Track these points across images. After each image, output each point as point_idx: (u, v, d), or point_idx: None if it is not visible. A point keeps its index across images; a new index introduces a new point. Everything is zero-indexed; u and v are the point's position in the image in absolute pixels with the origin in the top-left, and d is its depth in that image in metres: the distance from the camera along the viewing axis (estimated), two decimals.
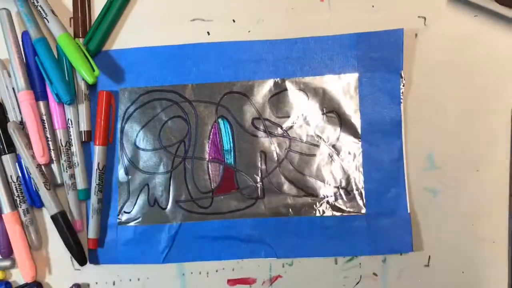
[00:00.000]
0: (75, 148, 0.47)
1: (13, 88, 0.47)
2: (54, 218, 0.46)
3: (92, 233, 0.47)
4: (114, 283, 0.48)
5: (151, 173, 0.48)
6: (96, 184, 0.47)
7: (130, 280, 0.48)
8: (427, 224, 0.46)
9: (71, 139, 0.47)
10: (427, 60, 0.47)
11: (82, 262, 0.47)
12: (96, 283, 0.48)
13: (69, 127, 0.47)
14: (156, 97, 0.48)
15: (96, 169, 0.47)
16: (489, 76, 0.47)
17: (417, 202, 0.46)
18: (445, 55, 0.47)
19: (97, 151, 0.47)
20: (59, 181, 0.48)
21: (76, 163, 0.47)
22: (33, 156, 0.46)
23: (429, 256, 0.47)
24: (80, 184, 0.48)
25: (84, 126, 0.48)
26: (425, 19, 0.47)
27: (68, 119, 0.47)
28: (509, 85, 0.47)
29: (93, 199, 0.47)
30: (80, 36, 0.48)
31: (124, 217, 0.48)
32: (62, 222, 0.46)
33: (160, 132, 0.48)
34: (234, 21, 0.49)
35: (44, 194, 0.46)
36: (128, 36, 0.49)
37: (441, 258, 0.46)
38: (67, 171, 0.47)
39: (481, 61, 0.47)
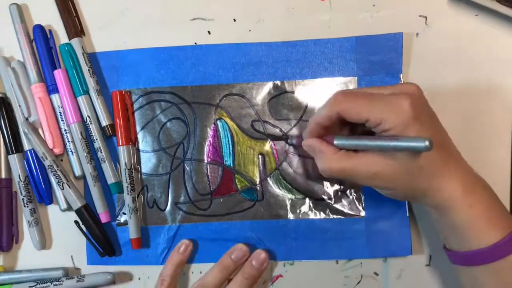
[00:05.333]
0: (99, 144, 0.47)
1: (18, 85, 0.47)
2: (78, 212, 0.46)
3: (133, 233, 0.47)
4: (115, 283, 0.48)
5: (150, 175, 0.48)
6: (128, 184, 0.47)
7: (131, 279, 0.49)
8: (427, 223, 0.46)
9: (93, 135, 0.47)
10: (428, 59, 0.47)
11: (110, 253, 0.47)
12: None
13: (89, 124, 0.47)
14: (155, 99, 0.48)
15: (125, 169, 0.47)
16: (490, 75, 0.46)
17: (417, 204, 0.46)
18: (446, 54, 0.47)
19: (122, 151, 0.47)
20: (77, 173, 0.48)
21: (103, 158, 0.47)
22: (54, 153, 0.47)
23: (430, 256, 0.47)
24: (111, 179, 0.47)
25: (105, 121, 0.47)
26: (426, 18, 0.47)
27: (87, 116, 0.47)
28: (510, 84, 0.46)
29: (128, 199, 0.47)
30: (75, 36, 0.48)
31: (122, 218, 0.48)
32: (87, 215, 0.46)
33: (159, 133, 0.48)
34: (234, 20, 0.48)
35: (67, 190, 0.46)
36: (128, 37, 0.49)
37: (442, 257, 0.45)
38: (90, 163, 0.47)
39: (482, 60, 0.47)
